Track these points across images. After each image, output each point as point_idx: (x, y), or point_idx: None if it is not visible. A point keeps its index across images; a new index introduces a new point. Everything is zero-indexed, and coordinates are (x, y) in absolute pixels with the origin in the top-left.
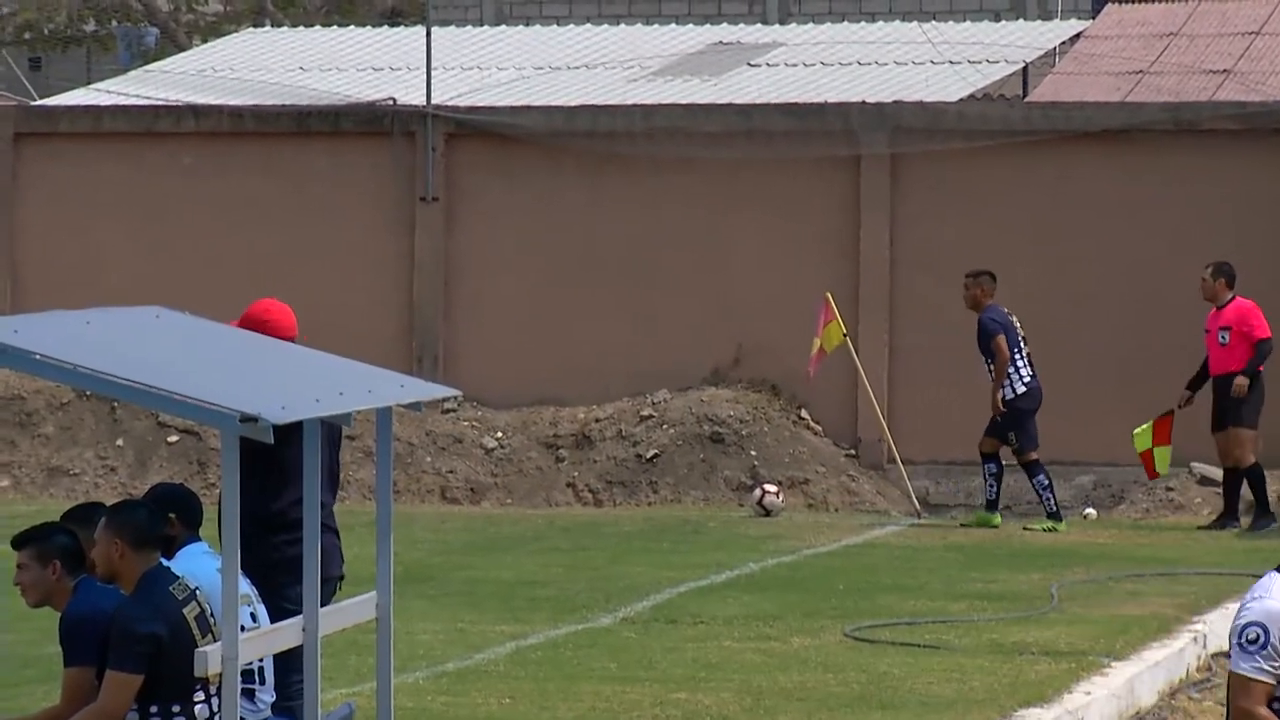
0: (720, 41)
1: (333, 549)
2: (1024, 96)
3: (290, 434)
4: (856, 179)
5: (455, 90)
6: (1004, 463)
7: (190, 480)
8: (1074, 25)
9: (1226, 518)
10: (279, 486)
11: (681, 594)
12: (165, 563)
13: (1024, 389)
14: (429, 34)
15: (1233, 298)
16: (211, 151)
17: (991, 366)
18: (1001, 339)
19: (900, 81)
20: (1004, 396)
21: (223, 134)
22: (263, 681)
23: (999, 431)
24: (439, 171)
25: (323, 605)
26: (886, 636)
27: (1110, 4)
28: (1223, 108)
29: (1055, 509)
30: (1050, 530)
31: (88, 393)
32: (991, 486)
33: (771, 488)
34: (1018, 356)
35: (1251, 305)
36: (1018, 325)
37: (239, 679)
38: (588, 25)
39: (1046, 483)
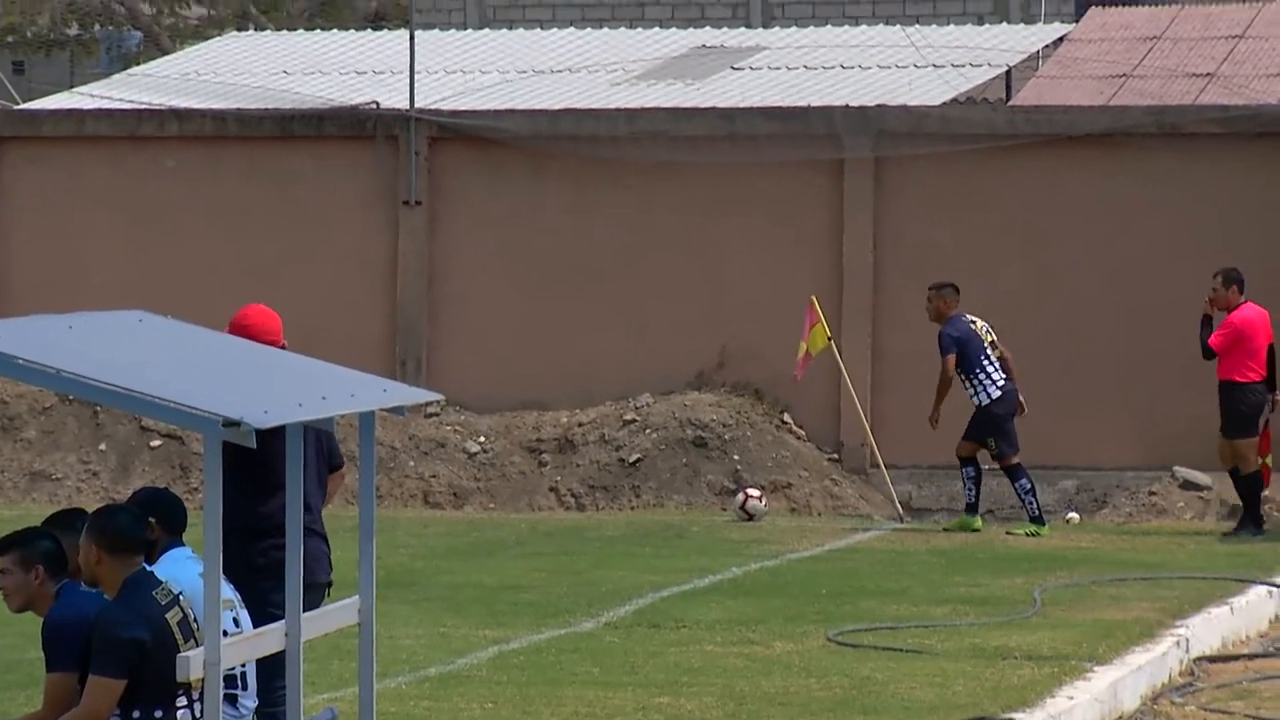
0: (703, 45)
1: (319, 554)
2: (1007, 100)
3: (274, 439)
4: (840, 182)
5: (439, 94)
6: (982, 466)
7: (173, 485)
8: (1057, 29)
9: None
10: (263, 491)
11: (664, 598)
12: (149, 567)
13: (998, 394)
14: (412, 37)
15: (1241, 303)
16: (195, 155)
17: (962, 377)
18: (950, 359)
19: (883, 85)
20: (979, 403)
21: (206, 138)
22: (245, 687)
23: (977, 436)
24: (422, 175)
25: (310, 610)
26: (869, 641)
27: (1093, 7)
28: (1206, 111)
29: (1038, 513)
30: (1033, 535)
31: (70, 397)
32: (970, 490)
33: (754, 492)
34: (987, 364)
35: (1242, 320)
36: (983, 332)
37: (221, 684)
38: (571, 29)
39: (1029, 487)
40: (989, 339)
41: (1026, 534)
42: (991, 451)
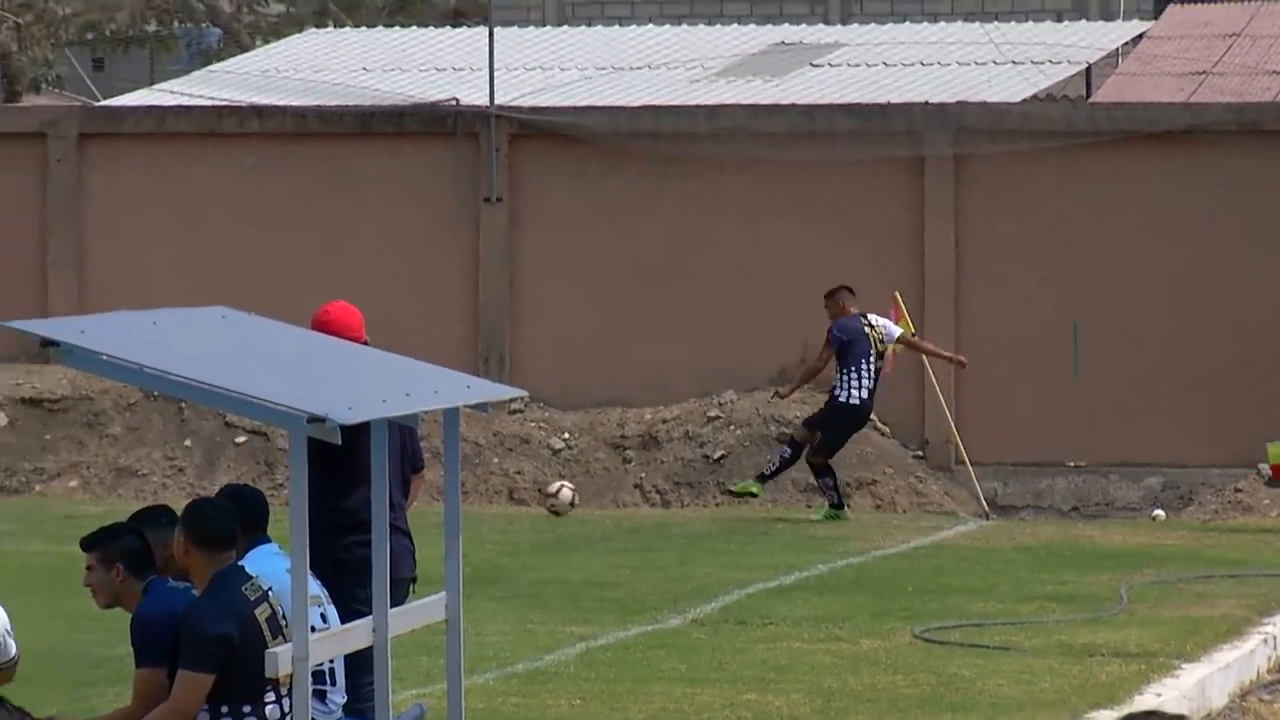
0: (782, 42)
1: (403, 551)
2: (1087, 97)
3: (359, 435)
4: (921, 180)
5: (518, 90)
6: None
7: (258, 481)
8: (1136, 26)
9: None
10: (348, 487)
11: (750, 595)
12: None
13: (856, 402)
14: (491, 34)
15: None
16: (275, 152)
17: (837, 368)
18: (827, 353)
19: (963, 82)
20: (837, 398)
21: (286, 135)
22: (334, 683)
23: (813, 424)
24: (503, 172)
25: (395, 606)
26: (956, 638)
27: (1172, 5)
28: None
29: (838, 500)
30: (834, 518)
31: (155, 393)
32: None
33: (566, 484)
34: (863, 368)
35: None
36: (876, 342)
37: (310, 680)
38: (650, 25)
39: (832, 484)
40: (881, 348)
41: (825, 518)
42: (813, 443)
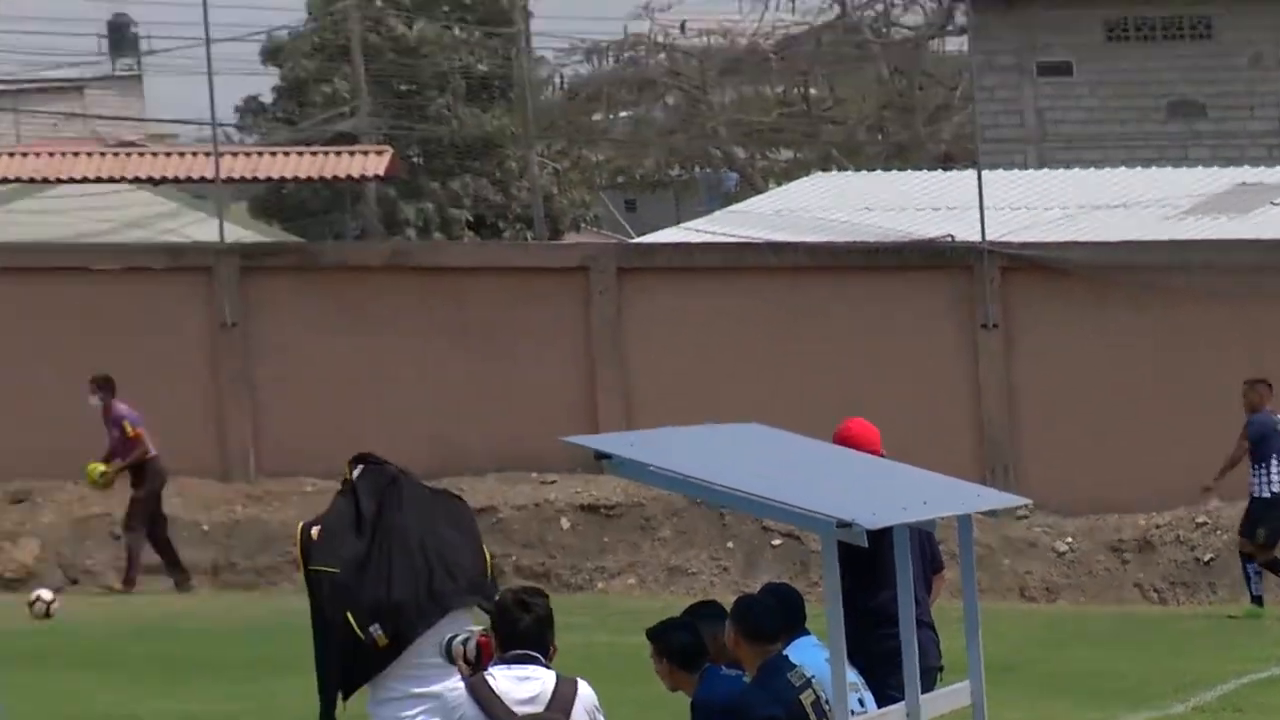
0: (1244, 182)
1: (929, 642)
2: None
3: (883, 538)
4: None
5: (1007, 227)
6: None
7: (794, 579)
8: None
9: None
10: (874, 587)
11: (1245, 685)
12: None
13: (1269, 494)
14: (979, 177)
15: None
16: (791, 285)
17: (1251, 465)
18: (1244, 443)
19: None
20: (1253, 494)
21: (801, 269)
22: None
23: (1248, 531)
24: (996, 301)
25: (925, 693)
26: None
27: None
28: None
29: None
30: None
31: (699, 500)
32: (1255, 583)
33: (46, 595)
34: (1275, 460)
35: None
36: None
37: None
38: (1122, 169)
39: None
40: None
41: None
42: (1259, 542)
